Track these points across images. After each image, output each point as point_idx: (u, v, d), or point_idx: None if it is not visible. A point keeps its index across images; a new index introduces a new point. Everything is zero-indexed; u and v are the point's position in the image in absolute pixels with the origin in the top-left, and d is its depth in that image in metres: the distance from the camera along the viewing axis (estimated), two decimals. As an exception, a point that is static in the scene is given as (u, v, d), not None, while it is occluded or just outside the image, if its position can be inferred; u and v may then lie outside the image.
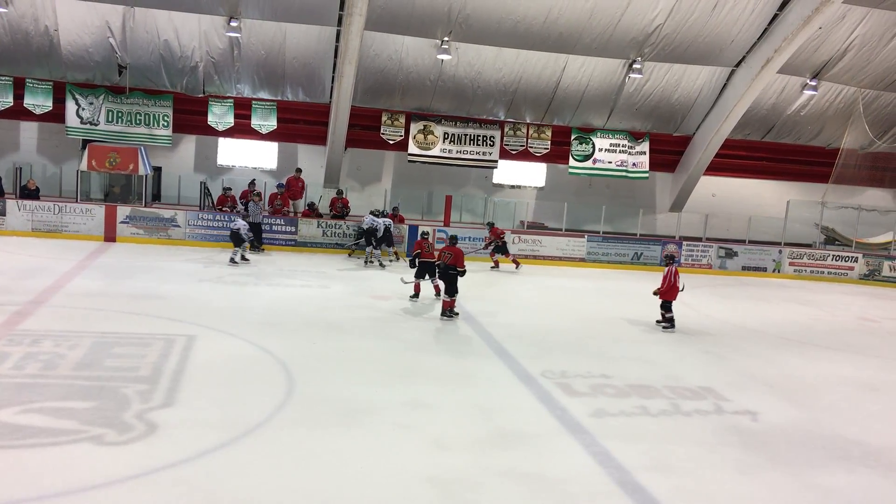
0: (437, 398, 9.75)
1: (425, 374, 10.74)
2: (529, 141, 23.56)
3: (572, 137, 23.79)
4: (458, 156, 23.02)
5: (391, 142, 22.93)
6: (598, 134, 23.85)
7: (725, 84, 22.25)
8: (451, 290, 14.13)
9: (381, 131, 22.83)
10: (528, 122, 23.49)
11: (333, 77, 21.11)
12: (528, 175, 24.65)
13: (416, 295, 15.30)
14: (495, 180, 24.41)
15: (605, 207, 22.89)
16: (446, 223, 21.44)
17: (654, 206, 25.12)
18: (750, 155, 24.99)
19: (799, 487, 7.96)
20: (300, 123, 22.89)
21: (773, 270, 22.82)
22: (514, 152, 23.53)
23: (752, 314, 16.85)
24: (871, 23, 20.94)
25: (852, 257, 23.13)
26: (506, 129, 23.37)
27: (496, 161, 23.40)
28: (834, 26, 20.82)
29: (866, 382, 11.99)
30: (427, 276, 15.22)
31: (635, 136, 23.94)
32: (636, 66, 21.22)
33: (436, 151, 22.92)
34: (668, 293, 14.47)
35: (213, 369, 9.99)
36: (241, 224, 18.23)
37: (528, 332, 13.57)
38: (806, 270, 22.92)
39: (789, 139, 24.91)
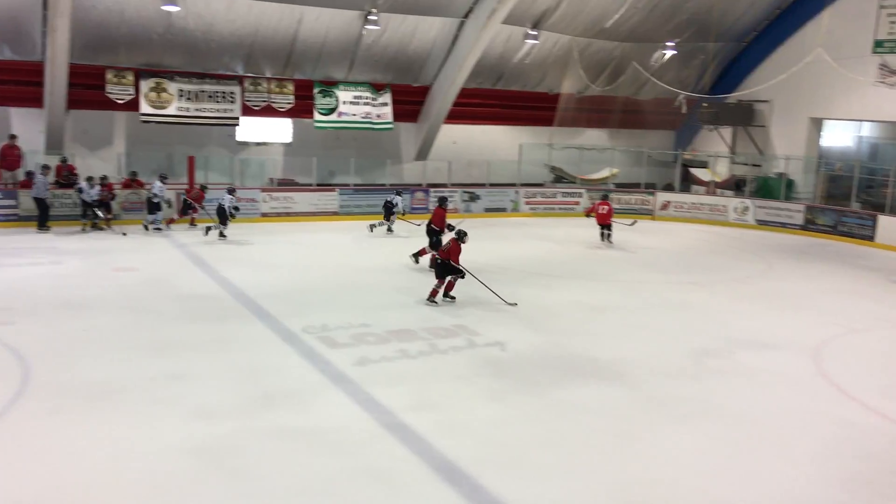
0: (196, 367, 9.45)
1: (181, 343, 10.34)
2: (272, 96, 22.93)
3: (315, 91, 23.52)
4: (197, 114, 21.83)
5: (120, 101, 21.19)
6: (341, 87, 23.80)
7: (457, 35, 23.12)
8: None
9: (107, 90, 20.97)
10: (268, 76, 22.84)
11: (44, 32, 18.97)
12: (274, 131, 24.08)
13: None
14: (240, 138, 23.55)
15: (353, 160, 23.07)
16: (191, 185, 20.44)
17: (400, 156, 25.71)
18: (484, 102, 26.33)
19: (545, 405, 8.81)
20: (9, 84, 20.32)
21: (512, 210, 24.51)
22: (256, 108, 22.81)
23: (497, 252, 18.02)
24: (581, -24, 22.80)
25: (578, 193, 25.49)
26: (246, 85, 22.53)
27: (238, 118, 22.54)
28: (549, -21, 22.40)
29: (595, 305, 13.41)
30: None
31: (377, 88, 24.24)
32: (372, 17, 21.35)
33: (172, 110, 21.54)
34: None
35: (-71, 368, 8.85)
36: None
37: (286, 291, 13.48)
38: (540, 208, 24.89)
39: (517, 86, 26.57)
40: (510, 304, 12.93)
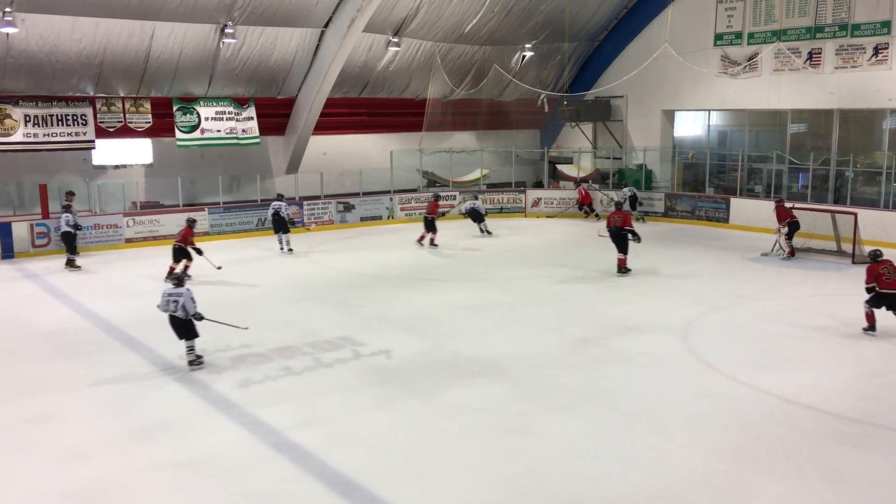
0: (61, 407, 8.91)
1: (43, 383, 9.72)
2: (128, 116, 21.92)
3: (175, 108, 22.67)
4: (46, 139, 20.55)
5: (-42, 131, 19.71)
6: (202, 103, 23.05)
7: (318, 45, 22.86)
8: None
9: (-56, 120, 19.49)
10: (122, 95, 21.83)
11: None
12: (134, 152, 23.03)
13: None
14: (96, 162, 22.37)
15: (220, 177, 22.40)
16: (44, 216, 19.23)
17: (270, 171, 25.18)
18: (352, 111, 26.19)
19: (433, 408, 8.85)
20: None
21: (388, 217, 24.50)
22: (111, 130, 21.74)
23: (375, 260, 17.98)
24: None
25: (451, 196, 25.79)
26: (98, 106, 21.42)
27: (93, 141, 21.41)
28: (406, -14, 22.57)
29: (476, 305, 13.58)
30: None
31: (240, 102, 23.63)
32: (228, 30, 20.79)
33: (18, 137, 20.19)
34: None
35: None
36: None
37: (157, 318, 12.85)
38: (415, 213, 24.99)
39: (383, 93, 26.60)
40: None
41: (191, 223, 16.46)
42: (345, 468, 7.27)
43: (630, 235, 15.96)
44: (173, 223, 20.70)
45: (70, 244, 17.41)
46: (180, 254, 15.69)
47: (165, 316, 12.92)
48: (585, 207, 24.37)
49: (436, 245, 19.34)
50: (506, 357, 10.58)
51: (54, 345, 11.38)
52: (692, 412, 8.60)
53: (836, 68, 21.18)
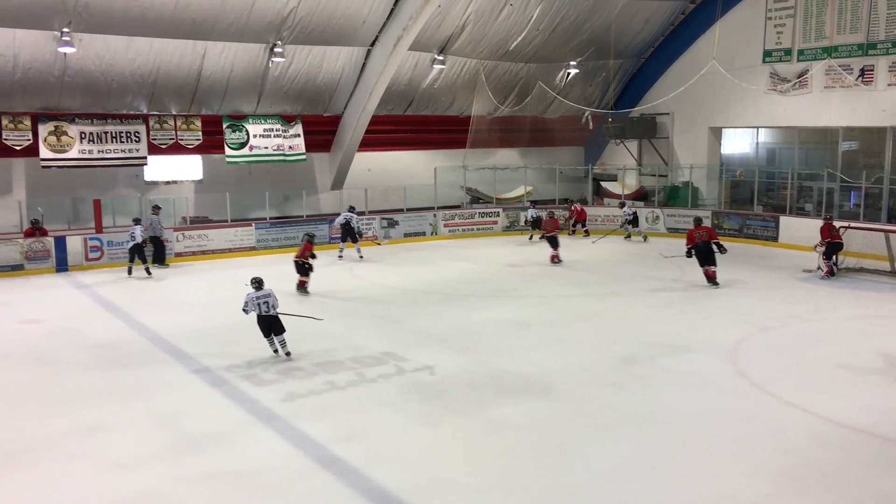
0: (113, 417, 9.09)
1: (94, 394, 9.94)
2: (179, 133, 22.45)
3: (224, 126, 23.15)
4: (101, 156, 21.14)
5: (17, 147, 20.34)
6: (251, 120, 23.51)
7: (364, 63, 23.18)
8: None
9: (3, 136, 20.17)
10: (174, 113, 22.38)
11: (-68, 79, 18.14)
12: (184, 169, 23.55)
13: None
14: (148, 178, 22.91)
15: (268, 193, 22.74)
16: (98, 230, 19.75)
17: (316, 187, 25.51)
18: (397, 129, 26.43)
19: (476, 425, 8.82)
20: None
21: (431, 233, 24.60)
22: (163, 146, 22.28)
23: (419, 276, 18.05)
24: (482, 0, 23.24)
25: (495, 212, 25.82)
26: (151, 123, 21.99)
27: (145, 157, 21.96)
28: (451, 4, 22.70)
29: (518, 321, 13.54)
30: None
31: (287, 120, 24.03)
32: (277, 49, 21.21)
33: (73, 153, 20.81)
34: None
35: None
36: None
37: (206, 331, 13.13)
38: (459, 230, 25.09)
39: (428, 111, 26.81)
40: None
41: (311, 238, 16.68)
42: (386, 483, 7.28)
43: (716, 247, 16.09)
44: (222, 238, 21.11)
45: (141, 254, 18.14)
46: (303, 268, 16.19)
47: (214, 327, 13.18)
48: (578, 224, 24.51)
49: (560, 261, 19.30)
50: (549, 375, 10.51)
51: (105, 356, 11.64)
52: (741, 434, 8.43)
53: (889, 85, 20.74)
